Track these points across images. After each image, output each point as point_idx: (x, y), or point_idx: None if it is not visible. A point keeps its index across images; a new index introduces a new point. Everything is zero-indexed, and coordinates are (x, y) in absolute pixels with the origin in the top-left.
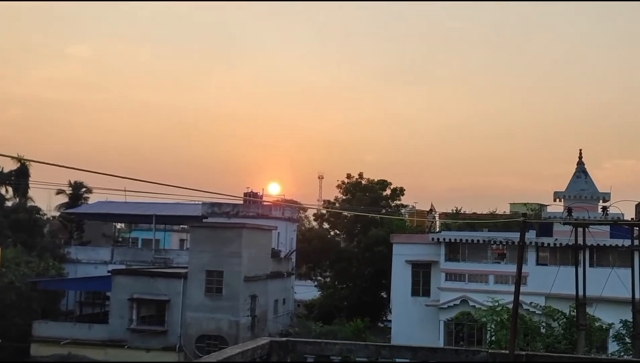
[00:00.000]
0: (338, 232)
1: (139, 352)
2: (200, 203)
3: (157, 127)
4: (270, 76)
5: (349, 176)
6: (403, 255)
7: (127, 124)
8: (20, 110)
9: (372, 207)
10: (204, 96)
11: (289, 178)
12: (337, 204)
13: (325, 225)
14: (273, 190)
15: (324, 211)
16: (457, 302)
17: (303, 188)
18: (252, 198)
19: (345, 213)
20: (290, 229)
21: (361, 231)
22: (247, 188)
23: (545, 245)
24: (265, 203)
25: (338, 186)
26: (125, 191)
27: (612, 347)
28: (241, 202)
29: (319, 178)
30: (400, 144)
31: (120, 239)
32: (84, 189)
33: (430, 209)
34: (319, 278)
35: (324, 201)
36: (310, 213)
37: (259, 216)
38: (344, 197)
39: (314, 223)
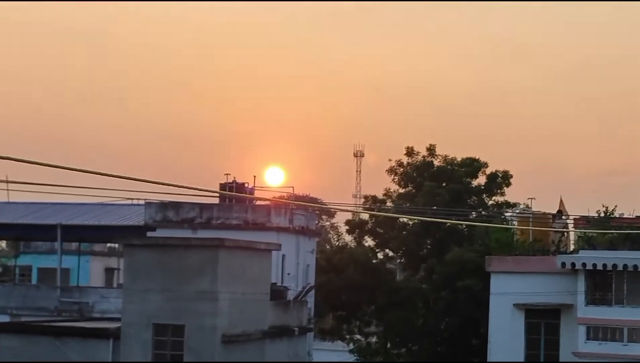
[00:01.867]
0: (391, 254)
1: None
2: (142, 202)
3: (63, 61)
4: None
5: (410, 152)
6: (510, 295)
7: (10, 53)
8: None
9: (454, 207)
10: (148, 9)
11: (302, 156)
12: (389, 204)
13: (369, 241)
14: (273, 179)
15: (365, 216)
16: None
17: (328, 174)
18: (235, 194)
19: (405, 218)
20: (306, 248)
21: (433, 251)
22: (227, 175)
23: None
24: (259, 202)
25: (391, 170)
26: (7, 182)
27: None
28: (216, 201)
29: (355, 155)
30: (502, 91)
31: None
32: None
33: (559, 211)
34: (358, 336)
35: (364, 197)
36: (340, 219)
37: (248, 225)
38: (401, 190)
39: (348, 238)
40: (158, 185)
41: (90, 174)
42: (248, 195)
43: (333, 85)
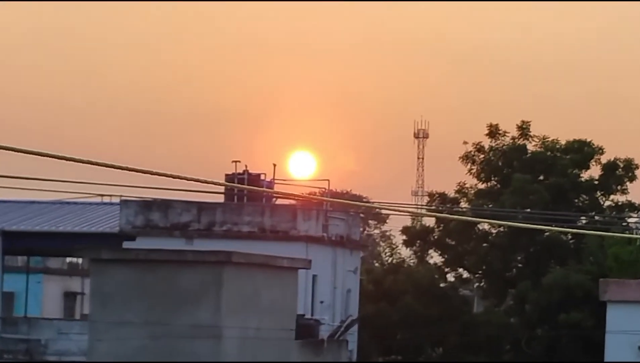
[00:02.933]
0: (466, 275)
1: None
2: (117, 201)
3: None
4: None
5: (494, 132)
6: (633, 334)
7: None
8: None
9: (555, 210)
10: None
11: (340, 138)
12: (463, 205)
13: (435, 257)
14: (300, 169)
15: (429, 222)
16: None
17: (377, 162)
18: (247, 187)
19: (486, 224)
20: (346, 267)
21: (526, 272)
22: (235, 162)
23: None
24: (280, 201)
25: (467, 158)
26: None
27: None
28: (221, 199)
29: (416, 136)
30: (620, 48)
31: None
32: None
33: None
34: None
35: (429, 195)
36: (395, 225)
37: (266, 234)
38: (481, 185)
39: (406, 252)
40: (139, 174)
41: (46, 158)
42: (266, 189)
43: (381, 42)
